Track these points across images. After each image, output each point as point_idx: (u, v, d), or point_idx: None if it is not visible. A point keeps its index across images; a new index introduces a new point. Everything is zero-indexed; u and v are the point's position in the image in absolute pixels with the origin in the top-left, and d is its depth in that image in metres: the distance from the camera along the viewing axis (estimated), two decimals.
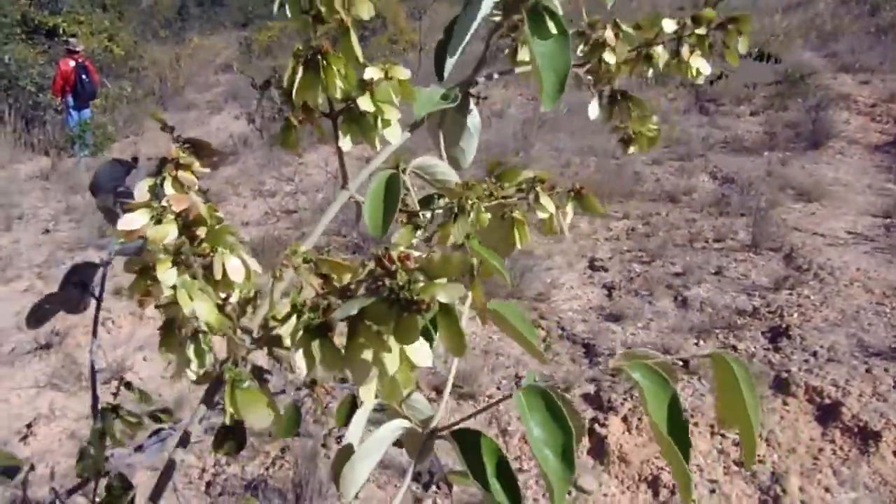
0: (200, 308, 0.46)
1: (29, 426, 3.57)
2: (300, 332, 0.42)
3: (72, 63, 8.49)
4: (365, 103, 0.56)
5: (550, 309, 4.14)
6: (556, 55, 0.60)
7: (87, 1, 13.42)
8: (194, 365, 0.48)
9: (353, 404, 0.92)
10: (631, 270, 4.57)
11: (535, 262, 4.45)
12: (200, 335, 0.48)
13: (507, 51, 0.71)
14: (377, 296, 0.39)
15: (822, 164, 6.30)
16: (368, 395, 0.44)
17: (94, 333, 0.86)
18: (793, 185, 5.71)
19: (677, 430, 0.50)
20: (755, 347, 3.59)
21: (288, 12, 0.55)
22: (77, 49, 8.73)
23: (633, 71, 0.71)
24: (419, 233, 0.60)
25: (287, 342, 0.44)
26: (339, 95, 0.56)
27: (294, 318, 0.43)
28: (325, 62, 0.54)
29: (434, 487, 2.86)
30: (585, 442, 3.03)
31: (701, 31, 0.71)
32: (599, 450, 2.98)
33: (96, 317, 0.88)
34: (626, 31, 0.69)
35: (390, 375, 0.42)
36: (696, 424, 3.04)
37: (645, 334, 3.80)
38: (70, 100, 8.61)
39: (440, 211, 0.61)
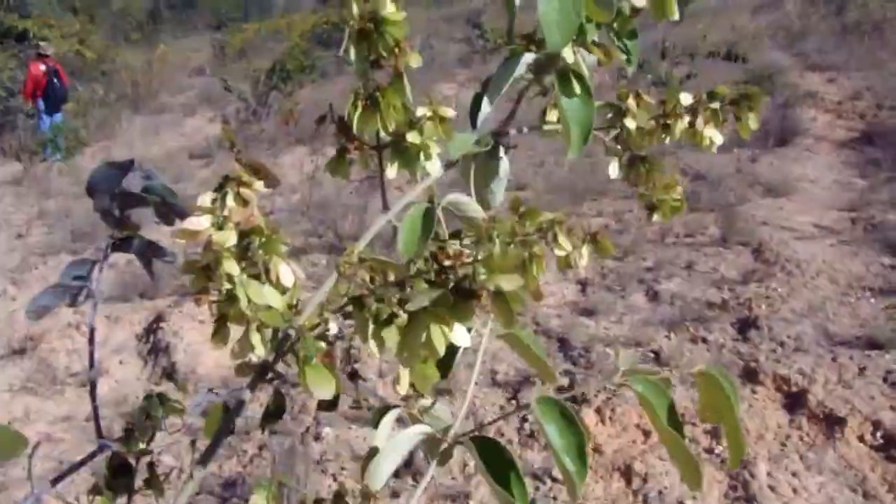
0: (270, 295, 0.53)
1: None
2: (371, 322, 0.50)
3: (42, 67, 8.42)
4: (413, 137, 0.64)
5: (526, 305, 4.19)
6: (580, 111, 0.68)
7: (57, 4, 13.29)
8: (259, 350, 0.53)
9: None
10: (604, 266, 4.64)
11: None
12: (258, 326, 0.53)
13: (540, 112, 0.79)
14: (443, 287, 0.48)
15: (790, 161, 6.42)
16: (404, 384, 0.54)
17: (92, 320, 0.89)
18: (761, 181, 5.82)
19: (677, 427, 0.59)
20: (724, 339, 3.66)
21: (351, 58, 0.62)
22: (48, 53, 8.66)
23: (652, 138, 0.77)
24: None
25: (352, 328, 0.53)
26: (391, 129, 0.64)
27: (353, 307, 0.51)
28: (383, 99, 0.62)
29: (411, 480, 2.89)
30: None
31: (715, 105, 0.77)
32: None
33: (94, 307, 0.91)
34: (646, 102, 0.76)
35: (424, 370, 0.52)
36: None
37: (618, 328, 3.87)
38: (41, 104, 8.53)
39: (467, 241, 0.68)
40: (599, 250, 0.71)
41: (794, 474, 2.81)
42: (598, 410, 3.14)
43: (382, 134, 0.65)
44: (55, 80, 8.47)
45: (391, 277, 0.51)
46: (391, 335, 0.50)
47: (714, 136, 0.77)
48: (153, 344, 4.35)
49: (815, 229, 4.92)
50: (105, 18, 15.67)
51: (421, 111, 0.64)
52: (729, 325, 3.78)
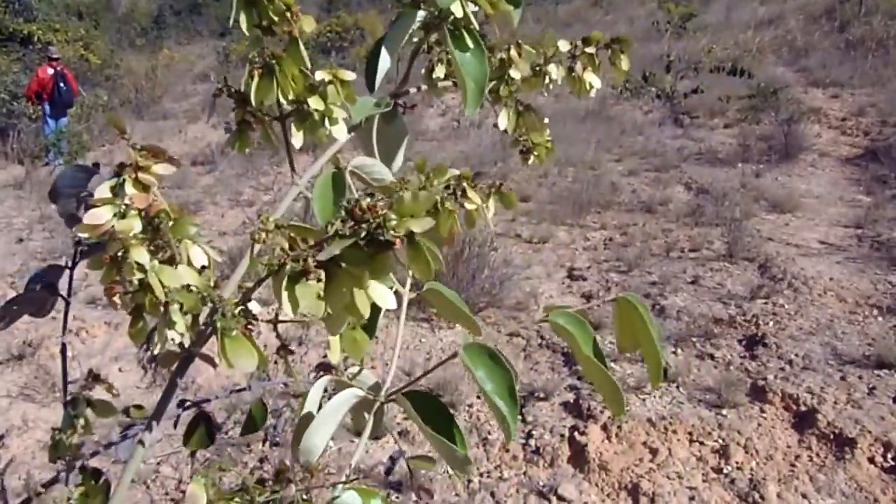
0: (187, 274, 0.51)
1: (1, 437, 3.51)
2: (284, 280, 0.47)
3: (50, 71, 8.41)
4: (316, 103, 0.62)
5: (530, 318, 4.16)
6: (474, 65, 0.67)
7: (62, 9, 13.31)
8: (179, 326, 0.50)
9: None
10: (609, 280, 4.61)
11: (514, 272, 4.46)
12: (173, 307, 0.51)
13: (423, 70, 0.77)
14: (355, 237, 0.45)
15: (795, 176, 6.40)
16: (335, 352, 0.51)
17: (63, 331, 0.86)
18: (766, 196, 5.80)
19: (599, 357, 0.61)
20: (731, 355, 3.63)
21: (242, 26, 0.60)
22: (56, 57, 8.65)
23: (533, 86, 0.78)
24: None
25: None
26: (290, 97, 0.62)
27: (271, 274, 0.48)
28: (279, 67, 0.60)
29: (414, 497, 2.85)
30: (565, 450, 3.04)
31: (590, 50, 0.79)
32: (580, 458, 2.99)
33: (65, 317, 0.88)
34: (527, 51, 0.76)
35: (353, 335, 0.50)
36: (674, 432, 3.06)
37: None
38: (47, 108, 8.52)
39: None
40: (504, 202, 0.71)
41: (804, 496, 2.77)
42: (605, 427, 3.10)
43: (284, 104, 0.63)
44: (62, 84, 8.45)
45: (311, 243, 0.50)
46: (305, 292, 0.47)
47: (593, 80, 0.79)
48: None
49: (821, 246, 4.90)
50: (110, 24, 15.70)
51: (320, 76, 0.62)
52: (736, 341, 3.75)
